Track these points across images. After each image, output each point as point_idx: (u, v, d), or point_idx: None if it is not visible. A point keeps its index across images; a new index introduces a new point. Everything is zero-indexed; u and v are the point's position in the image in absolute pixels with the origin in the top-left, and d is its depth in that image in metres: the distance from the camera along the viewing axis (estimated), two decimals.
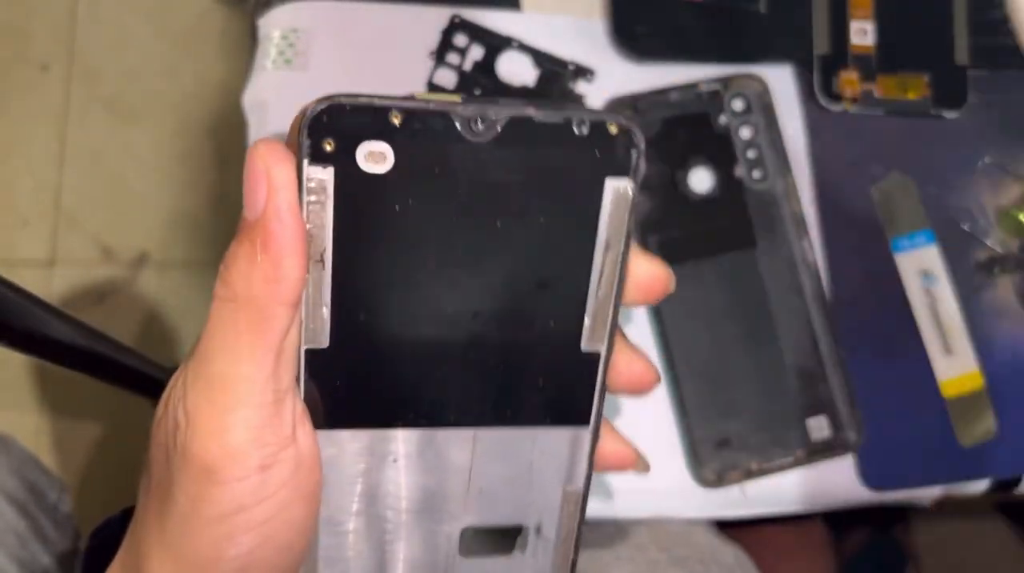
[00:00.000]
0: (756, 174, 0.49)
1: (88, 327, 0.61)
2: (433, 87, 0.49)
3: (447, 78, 0.49)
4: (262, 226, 0.23)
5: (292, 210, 0.23)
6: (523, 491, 0.28)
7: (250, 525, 0.24)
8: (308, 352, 0.25)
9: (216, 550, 0.24)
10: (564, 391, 0.27)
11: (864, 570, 0.77)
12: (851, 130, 0.50)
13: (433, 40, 0.49)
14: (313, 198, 0.23)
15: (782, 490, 0.48)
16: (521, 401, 0.27)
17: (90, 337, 0.61)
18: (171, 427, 0.25)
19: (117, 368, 0.66)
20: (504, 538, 0.29)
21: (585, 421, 0.28)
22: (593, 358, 0.27)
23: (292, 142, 0.23)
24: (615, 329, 0.27)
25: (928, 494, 0.49)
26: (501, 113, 0.24)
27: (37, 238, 1.08)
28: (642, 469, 0.31)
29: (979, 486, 0.50)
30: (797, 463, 0.48)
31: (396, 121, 0.23)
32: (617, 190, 0.25)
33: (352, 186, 0.23)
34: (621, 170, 0.25)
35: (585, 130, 0.24)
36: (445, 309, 0.25)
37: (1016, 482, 0.50)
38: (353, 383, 0.25)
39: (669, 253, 0.48)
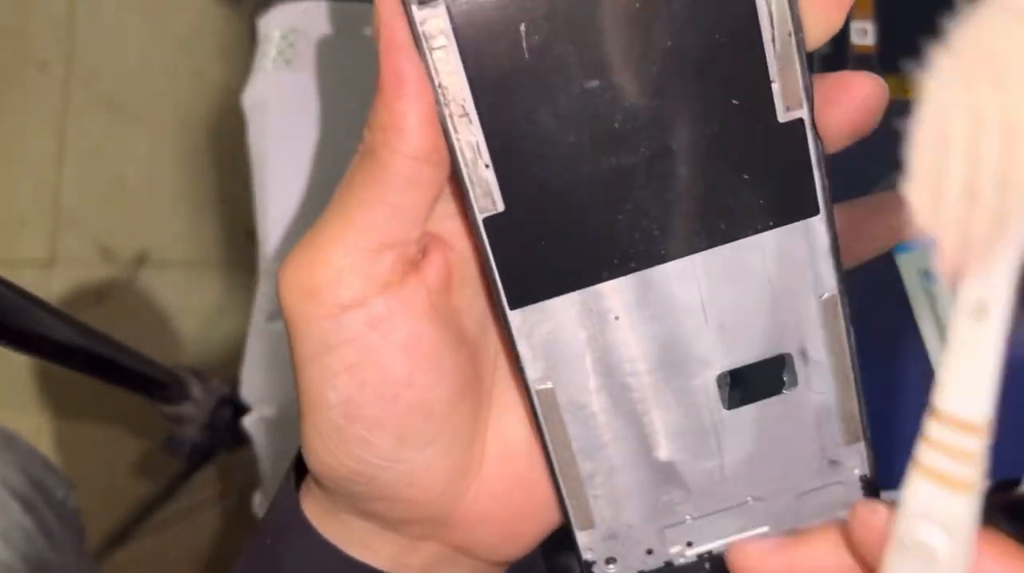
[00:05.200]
0: None
1: (87, 327, 0.61)
2: None
3: None
4: (379, 74, 0.22)
5: (393, 49, 0.21)
6: (770, 314, 0.24)
7: (342, 365, 0.23)
8: (487, 222, 0.23)
9: (318, 391, 0.24)
10: (775, 180, 0.23)
11: None
12: None
13: None
14: (434, 43, 0.21)
15: None
16: (732, 208, 0.23)
17: (89, 337, 0.61)
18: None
19: (116, 368, 0.66)
20: (770, 377, 0.25)
21: (813, 209, 0.24)
22: (796, 126, 0.23)
23: None
24: (810, 82, 0.22)
25: None
26: None
27: (36, 238, 1.08)
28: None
29: None
30: None
31: None
32: None
33: (474, 19, 0.21)
34: None
35: None
36: (613, 129, 0.22)
37: (1016, 483, 0.50)
38: (541, 243, 0.23)
39: None
